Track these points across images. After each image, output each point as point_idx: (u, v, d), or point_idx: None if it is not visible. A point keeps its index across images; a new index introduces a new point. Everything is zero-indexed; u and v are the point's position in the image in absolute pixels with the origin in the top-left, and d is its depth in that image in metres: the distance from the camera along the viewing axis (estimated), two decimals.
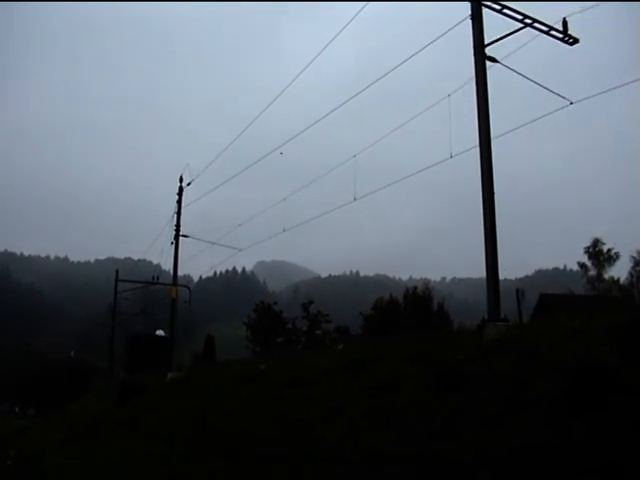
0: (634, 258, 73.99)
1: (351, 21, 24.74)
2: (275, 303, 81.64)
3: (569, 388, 9.75)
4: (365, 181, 26.74)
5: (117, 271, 62.63)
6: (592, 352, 10.72)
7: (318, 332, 72.33)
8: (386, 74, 23.83)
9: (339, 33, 25.59)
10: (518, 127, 19.85)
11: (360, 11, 24.03)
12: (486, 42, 18.37)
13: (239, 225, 44.38)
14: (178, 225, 46.08)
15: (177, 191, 46.32)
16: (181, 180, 45.93)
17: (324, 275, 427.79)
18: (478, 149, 17.68)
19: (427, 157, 22.55)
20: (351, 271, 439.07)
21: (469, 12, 18.57)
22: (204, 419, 18.47)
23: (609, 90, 18.84)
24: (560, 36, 18.98)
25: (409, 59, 22.43)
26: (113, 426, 23.96)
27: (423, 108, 23.13)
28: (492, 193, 17.38)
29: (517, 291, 27.44)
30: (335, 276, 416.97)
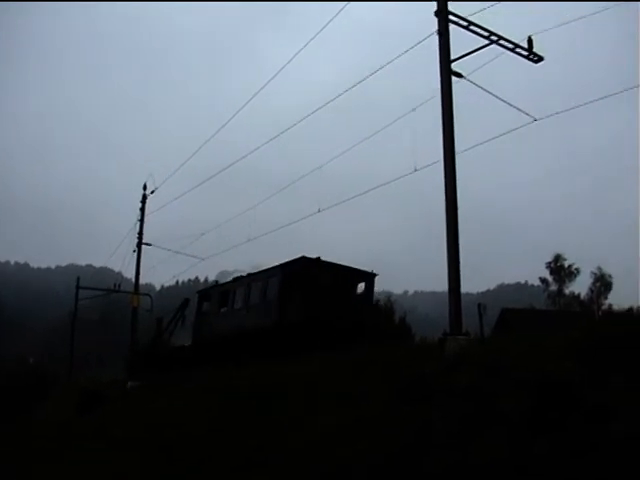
0: (594, 274, 74.78)
1: (323, 28, 24.88)
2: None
3: (531, 405, 9.76)
4: (334, 192, 26.81)
5: (78, 278, 62.03)
6: (554, 368, 10.76)
7: None
8: (353, 87, 23.99)
9: (311, 40, 25.72)
10: (482, 142, 20.00)
11: (336, 15, 24.19)
12: (453, 57, 18.48)
13: (203, 234, 44.34)
14: (141, 233, 45.87)
15: (141, 199, 46.09)
16: (145, 188, 45.78)
17: None
18: (442, 163, 17.76)
19: (395, 170, 22.60)
20: None
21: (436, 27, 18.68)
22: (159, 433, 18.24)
23: (572, 108, 19.07)
24: (525, 54, 19.21)
25: (376, 72, 22.63)
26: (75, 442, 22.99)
27: (396, 121, 23.22)
28: (455, 207, 17.45)
29: (479, 305, 27.62)
30: None
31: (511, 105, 18.97)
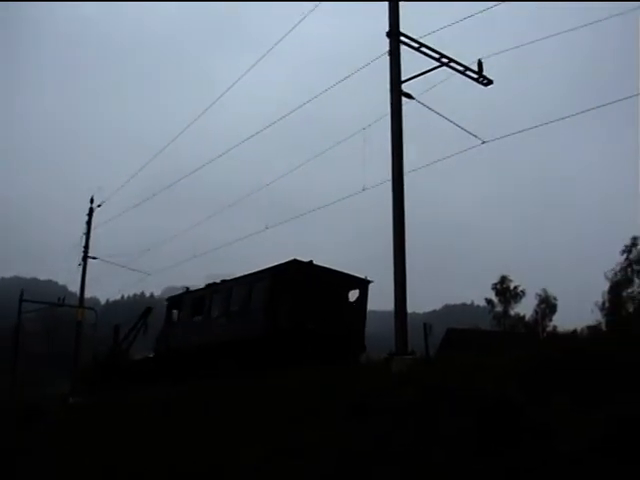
0: (539, 296, 75.62)
1: (275, 46, 24.95)
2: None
3: (475, 425, 9.79)
4: (282, 209, 26.85)
5: (22, 291, 61.06)
6: (497, 388, 10.83)
7: None
8: (302, 105, 24.06)
9: (262, 58, 25.76)
10: (431, 163, 20.20)
11: (287, 34, 24.23)
12: (404, 78, 18.63)
13: (149, 249, 44.09)
14: (87, 246, 45.37)
15: (87, 212, 45.62)
16: (92, 201, 45.32)
17: None
18: (390, 183, 17.86)
19: (345, 188, 22.74)
20: None
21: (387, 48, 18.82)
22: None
23: (519, 132, 19.31)
24: (475, 76, 19.44)
25: (327, 90, 22.78)
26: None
27: (346, 140, 23.33)
28: (403, 226, 17.56)
29: (425, 325, 27.80)
30: None
31: (459, 127, 19.17)
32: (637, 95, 17.50)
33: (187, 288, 36.05)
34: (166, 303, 37.37)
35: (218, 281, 34.42)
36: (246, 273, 30.73)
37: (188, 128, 33.88)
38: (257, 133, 28.08)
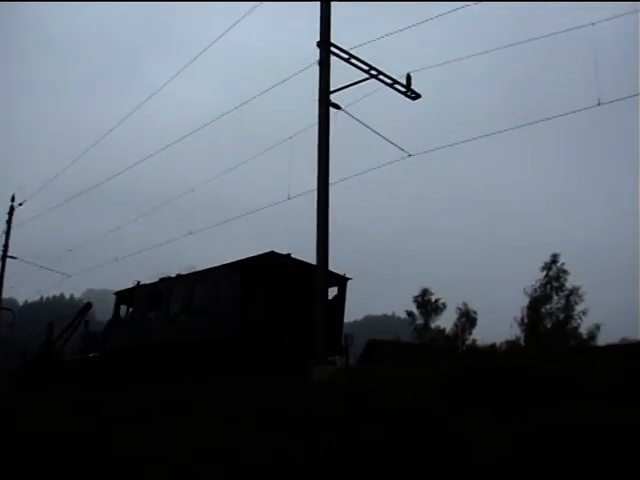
0: (460, 309, 76.44)
1: (203, 52, 24.79)
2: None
3: (394, 435, 9.77)
4: (207, 215, 26.61)
5: None
6: (418, 400, 10.85)
7: None
8: (230, 111, 23.91)
9: (189, 63, 25.57)
10: (357, 174, 20.22)
11: (217, 40, 24.07)
12: (333, 88, 18.63)
13: (71, 250, 43.13)
14: (6, 245, 44.32)
15: (8, 210, 44.62)
16: (13, 199, 44.26)
17: None
18: (316, 192, 17.84)
19: (270, 196, 22.64)
20: None
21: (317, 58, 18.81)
22: None
23: (445, 146, 19.52)
24: (403, 90, 19.53)
25: (255, 98, 22.69)
26: None
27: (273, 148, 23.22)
28: (326, 235, 17.56)
29: (346, 336, 27.77)
30: None
31: (386, 139, 19.22)
32: (564, 115, 17.90)
33: (138, 282, 33.07)
34: (114, 296, 34.18)
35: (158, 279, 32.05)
36: (213, 266, 28.19)
37: (116, 128, 33.16)
38: (184, 137, 27.76)
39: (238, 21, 23.99)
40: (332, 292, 25.78)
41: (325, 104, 18.28)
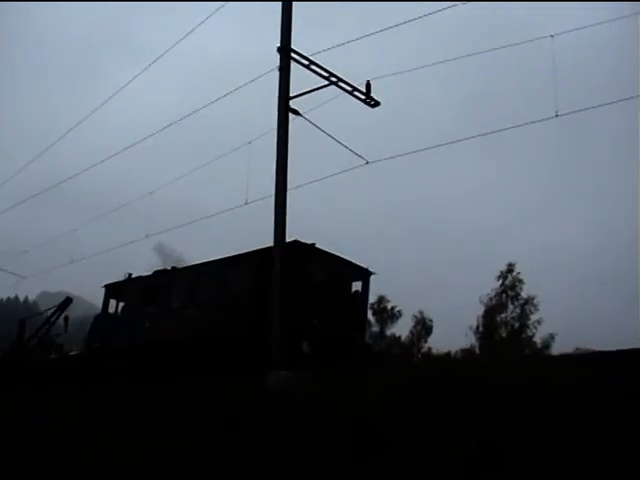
0: (415, 317, 76.76)
1: (163, 54, 24.64)
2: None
3: (348, 442, 9.75)
4: (165, 218, 26.37)
5: None
6: (371, 406, 10.84)
7: None
8: (190, 114, 23.79)
9: (149, 66, 25.40)
10: (314, 181, 20.20)
11: (177, 42, 23.95)
12: (293, 94, 18.61)
13: (26, 251, 42.54)
14: None
15: None
16: None
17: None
18: (273, 198, 17.78)
19: (228, 201, 22.50)
20: None
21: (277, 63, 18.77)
22: None
23: (401, 155, 19.58)
24: (363, 97, 19.56)
25: (213, 102, 22.57)
26: None
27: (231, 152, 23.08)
28: (283, 241, 17.53)
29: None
30: None
31: (344, 146, 19.19)
32: (522, 125, 18.07)
33: (129, 274, 30.56)
34: (104, 290, 31.12)
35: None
36: (223, 256, 25.73)
37: (76, 129, 32.53)
38: (145, 139, 27.37)
39: (200, 24, 23.89)
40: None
41: (284, 109, 18.24)
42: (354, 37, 19.83)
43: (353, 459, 9.36)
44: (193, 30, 24.08)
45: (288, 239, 18.44)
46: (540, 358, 25.58)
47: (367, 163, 18.98)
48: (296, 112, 18.49)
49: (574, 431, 8.48)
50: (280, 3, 18.89)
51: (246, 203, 20.31)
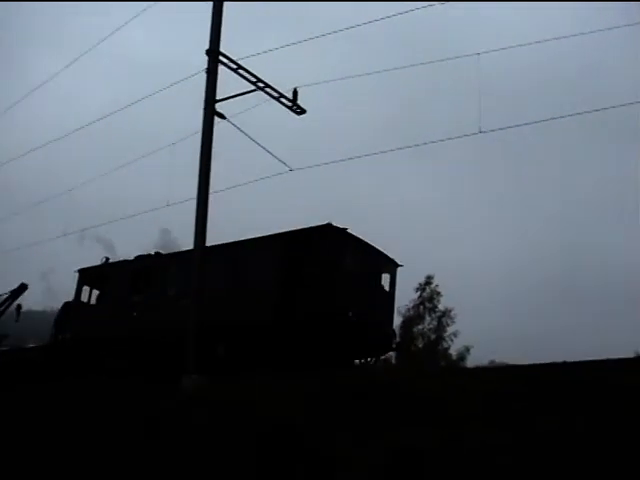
0: None
1: (90, 50, 24.30)
2: None
3: (259, 448, 9.69)
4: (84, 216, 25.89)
5: None
6: (284, 414, 10.80)
7: None
8: (114, 113, 23.51)
9: (75, 60, 25.04)
10: (237, 185, 20.10)
11: (105, 39, 23.58)
12: (219, 97, 18.50)
13: None
14: None
15: None
16: None
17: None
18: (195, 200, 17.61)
19: (150, 202, 22.28)
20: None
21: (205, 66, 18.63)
22: None
23: (326, 163, 19.63)
24: (289, 104, 19.53)
25: (136, 102, 22.32)
26: None
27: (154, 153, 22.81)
28: (204, 244, 17.37)
29: None
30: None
31: (269, 152, 19.11)
32: (445, 140, 18.28)
33: (107, 258, 28.14)
34: (77, 275, 28.07)
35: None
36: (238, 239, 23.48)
37: None
38: (68, 134, 26.78)
39: (128, 22, 23.67)
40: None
41: (210, 113, 18.09)
42: (287, 43, 19.89)
43: (261, 465, 9.32)
44: (119, 29, 23.94)
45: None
46: (455, 370, 25.84)
47: (291, 170, 18.97)
48: (221, 116, 18.34)
49: (489, 443, 8.58)
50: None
51: (167, 205, 20.08)
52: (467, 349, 54.35)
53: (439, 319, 55.97)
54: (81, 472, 11.19)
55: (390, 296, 23.66)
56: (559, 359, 13.87)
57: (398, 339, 23.23)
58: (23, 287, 36.70)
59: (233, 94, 18.93)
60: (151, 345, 22.93)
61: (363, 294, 21.76)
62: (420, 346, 56.00)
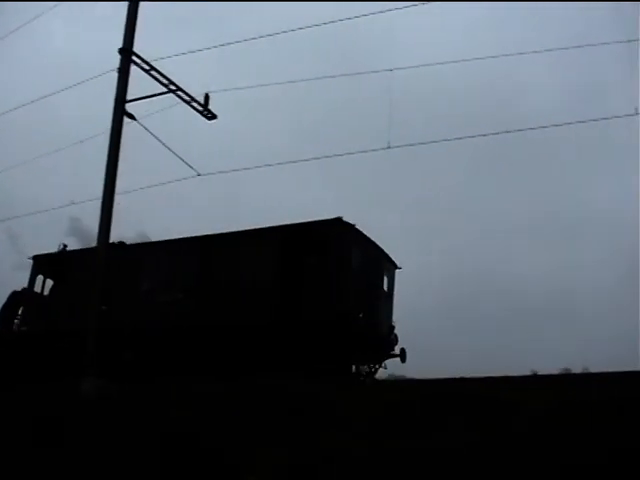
0: None
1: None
2: None
3: (160, 453, 9.65)
4: None
5: None
6: (185, 419, 10.78)
7: None
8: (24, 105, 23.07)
9: None
10: (143, 188, 19.95)
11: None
12: (130, 98, 18.33)
13: None
14: None
15: None
16: None
17: None
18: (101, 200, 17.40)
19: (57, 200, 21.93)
20: None
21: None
22: None
23: (236, 170, 19.66)
24: (200, 109, 19.51)
25: (45, 97, 21.95)
26: None
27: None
28: (107, 243, 17.16)
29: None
30: None
31: (177, 156, 18.98)
32: (354, 153, 18.50)
33: (65, 245, 25.62)
34: (31, 263, 25.72)
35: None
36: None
37: None
38: None
39: (37, 17, 23.26)
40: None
41: (120, 112, 17.92)
42: (206, 47, 19.91)
43: (164, 471, 9.29)
44: (26, 24, 23.37)
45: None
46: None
47: (198, 175, 18.92)
48: (131, 116, 18.18)
49: (380, 452, 8.71)
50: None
51: (72, 203, 19.75)
52: None
53: None
54: None
55: (390, 298, 22.81)
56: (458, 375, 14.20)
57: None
58: None
59: (144, 95, 18.80)
60: (120, 341, 21.11)
61: (369, 295, 21.04)
62: None
